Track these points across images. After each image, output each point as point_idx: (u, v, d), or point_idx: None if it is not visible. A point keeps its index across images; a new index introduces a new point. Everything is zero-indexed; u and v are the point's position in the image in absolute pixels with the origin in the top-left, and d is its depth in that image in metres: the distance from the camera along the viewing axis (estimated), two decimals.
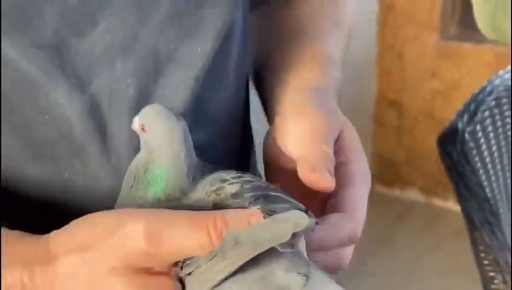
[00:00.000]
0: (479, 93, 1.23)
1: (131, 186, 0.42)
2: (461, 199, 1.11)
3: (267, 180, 0.47)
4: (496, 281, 1.09)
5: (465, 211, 1.12)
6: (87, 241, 0.37)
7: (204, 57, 0.46)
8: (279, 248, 0.38)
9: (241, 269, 0.37)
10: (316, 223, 0.40)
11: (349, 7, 0.63)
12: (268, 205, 0.39)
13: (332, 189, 0.43)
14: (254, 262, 0.37)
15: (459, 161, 1.11)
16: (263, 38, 0.58)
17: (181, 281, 0.39)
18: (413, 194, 2.45)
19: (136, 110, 0.44)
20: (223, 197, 0.40)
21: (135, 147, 0.44)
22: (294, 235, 0.38)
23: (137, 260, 0.37)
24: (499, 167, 1.21)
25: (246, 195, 0.40)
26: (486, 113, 1.20)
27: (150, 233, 0.36)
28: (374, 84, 2.41)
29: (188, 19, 0.45)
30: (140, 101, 0.44)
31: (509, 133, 1.26)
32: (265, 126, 0.52)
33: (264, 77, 0.56)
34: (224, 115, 0.53)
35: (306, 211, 0.40)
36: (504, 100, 1.24)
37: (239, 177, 0.42)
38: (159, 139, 0.41)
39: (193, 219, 0.37)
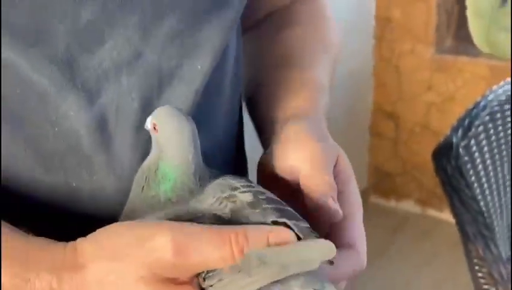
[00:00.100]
0: (473, 108, 1.25)
1: (143, 187, 0.44)
2: (455, 213, 1.12)
3: None
4: None
5: (460, 224, 1.13)
6: (115, 251, 0.39)
7: (203, 74, 0.49)
8: None
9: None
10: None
11: (336, 33, 0.66)
12: (291, 222, 0.41)
13: (341, 218, 0.45)
14: None
15: (453, 175, 1.12)
16: (253, 63, 0.61)
17: None
18: (409, 205, 2.46)
19: (140, 122, 0.46)
20: (239, 205, 0.42)
21: (138, 157, 0.47)
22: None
23: (164, 270, 0.39)
24: (493, 180, 1.22)
25: (263, 206, 0.42)
26: (481, 128, 1.22)
27: (177, 245, 0.38)
28: (370, 96, 2.43)
29: (188, 38, 0.48)
30: (144, 114, 0.46)
31: (503, 147, 1.27)
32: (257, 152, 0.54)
33: (256, 103, 0.58)
34: (221, 130, 0.55)
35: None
36: (498, 115, 1.26)
37: (249, 186, 0.44)
38: (169, 138, 0.43)
39: (217, 233, 0.39)
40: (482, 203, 1.15)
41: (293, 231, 0.41)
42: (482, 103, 1.26)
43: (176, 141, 0.43)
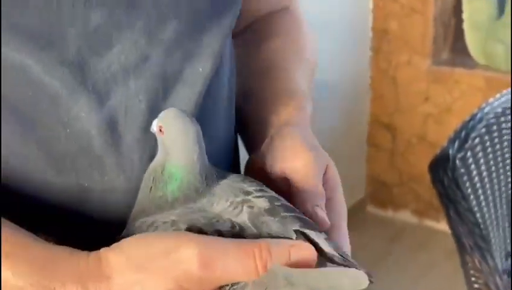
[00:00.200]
0: (469, 121, 1.26)
1: (151, 188, 0.45)
2: (452, 224, 1.13)
3: None
4: None
5: (456, 235, 1.14)
6: (142, 262, 0.40)
7: (205, 76, 0.51)
8: None
9: None
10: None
11: (313, 45, 0.68)
12: (312, 233, 0.42)
13: (328, 227, 0.46)
14: None
15: (450, 187, 1.13)
16: (239, 71, 0.62)
17: None
18: (406, 216, 2.47)
19: (147, 123, 0.47)
20: (256, 211, 0.43)
21: (146, 158, 0.48)
22: None
23: (189, 283, 0.39)
24: (489, 192, 1.23)
25: (282, 214, 0.43)
26: (477, 140, 1.23)
27: (203, 258, 0.39)
28: (367, 107, 2.45)
29: (190, 42, 0.50)
30: (151, 116, 0.48)
31: (500, 159, 1.28)
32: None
33: (245, 107, 0.60)
34: (222, 131, 0.57)
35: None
36: (494, 127, 1.27)
37: (261, 190, 0.45)
38: (175, 139, 0.44)
39: (241, 247, 0.40)
40: (478, 215, 1.16)
41: (311, 242, 0.42)
42: (478, 115, 1.27)
43: (181, 142, 0.44)
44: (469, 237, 1.12)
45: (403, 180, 2.44)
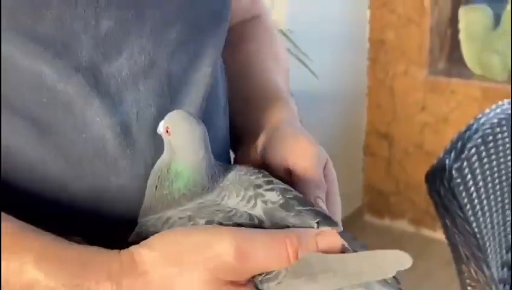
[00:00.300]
0: (465, 131, 1.27)
1: (156, 186, 0.46)
2: (448, 234, 1.14)
3: None
4: None
5: (453, 245, 1.15)
6: (178, 257, 0.41)
7: (207, 78, 0.53)
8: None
9: None
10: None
11: (284, 50, 0.71)
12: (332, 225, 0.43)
13: None
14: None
15: (446, 197, 1.14)
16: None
17: None
18: (403, 225, 2.47)
19: (157, 125, 0.49)
20: (270, 206, 0.44)
21: (159, 157, 0.49)
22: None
23: (226, 274, 0.41)
24: (485, 202, 1.24)
25: (297, 208, 0.44)
26: (473, 150, 1.24)
27: (238, 249, 0.40)
28: (365, 117, 2.46)
29: (193, 46, 0.52)
30: (161, 118, 0.49)
31: (495, 169, 1.30)
32: None
33: (233, 104, 0.62)
34: (221, 130, 0.59)
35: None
36: (490, 138, 1.28)
37: (269, 182, 0.46)
38: (181, 139, 0.46)
39: (273, 237, 0.41)
40: (474, 225, 1.17)
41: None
42: (475, 126, 1.28)
43: (187, 142, 0.46)
44: (465, 247, 1.13)
45: (399, 189, 2.45)
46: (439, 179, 1.16)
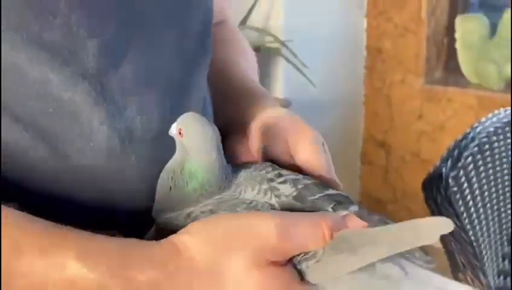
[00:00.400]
0: (462, 140, 1.28)
1: (170, 188, 0.47)
2: (445, 242, 1.14)
3: None
4: None
5: (449, 253, 1.15)
6: (221, 241, 0.42)
7: (204, 84, 0.55)
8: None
9: None
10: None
11: (251, 50, 0.74)
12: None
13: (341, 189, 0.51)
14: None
15: (443, 205, 1.15)
16: None
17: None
18: None
19: (160, 131, 0.50)
20: (285, 200, 0.45)
21: (161, 162, 0.50)
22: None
23: (269, 255, 0.42)
24: (481, 211, 1.25)
25: (310, 199, 0.45)
26: (469, 159, 1.25)
27: (280, 230, 0.42)
28: (362, 125, 2.47)
29: (191, 54, 0.53)
30: (163, 124, 0.50)
31: (492, 178, 1.30)
32: None
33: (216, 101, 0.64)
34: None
35: None
36: (486, 146, 1.29)
37: (280, 175, 0.47)
38: (195, 140, 0.46)
39: (309, 218, 0.43)
40: (471, 233, 1.17)
41: None
42: (471, 135, 1.29)
43: (200, 142, 0.46)
44: (462, 255, 1.13)
45: (396, 197, 2.45)
46: (435, 187, 1.17)
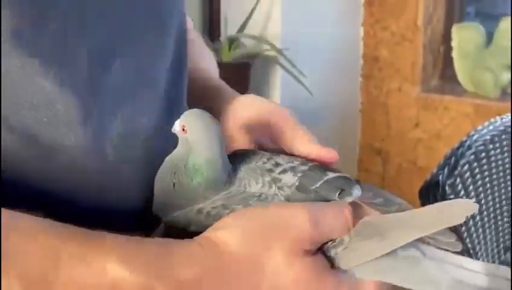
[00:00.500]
0: (458, 148, 1.28)
1: (174, 184, 0.47)
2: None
3: None
4: None
5: None
6: (258, 233, 0.42)
7: (185, 88, 0.56)
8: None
9: None
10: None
11: (207, 48, 0.76)
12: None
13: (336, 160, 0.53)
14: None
15: None
16: None
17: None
18: None
19: (150, 134, 0.50)
20: (288, 192, 0.46)
21: (151, 166, 0.50)
22: None
23: (305, 244, 0.43)
24: (478, 218, 1.25)
25: (312, 188, 0.46)
26: (466, 167, 1.25)
27: (312, 220, 0.43)
28: (359, 133, 2.47)
29: (174, 57, 0.54)
30: (153, 128, 0.50)
31: (488, 185, 1.31)
32: None
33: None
34: None
35: None
36: (482, 154, 1.29)
37: (278, 164, 0.48)
38: (198, 135, 0.47)
39: (334, 207, 0.45)
40: (467, 241, 1.18)
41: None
42: (467, 143, 1.30)
43: (204, 138, 0.47)
44: None
45: None
46: (432, 195, 1.17)
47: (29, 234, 0.39)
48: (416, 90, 2.31)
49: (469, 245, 1.18)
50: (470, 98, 2.24)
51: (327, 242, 0.44)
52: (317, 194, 0.46)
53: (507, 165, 1.32)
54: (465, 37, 2.25)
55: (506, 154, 1.33)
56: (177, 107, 0.56)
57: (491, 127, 1.35)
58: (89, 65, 0.47)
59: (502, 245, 1.30)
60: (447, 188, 1.19)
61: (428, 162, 2.26)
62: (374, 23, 2.35)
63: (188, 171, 0.47)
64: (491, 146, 1.32)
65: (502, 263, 1.29)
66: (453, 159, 1.26)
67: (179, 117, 0.50)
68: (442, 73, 2.39)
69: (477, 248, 1.22)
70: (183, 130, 0.47)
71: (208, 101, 0.61)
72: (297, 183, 0.46)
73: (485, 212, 1.27)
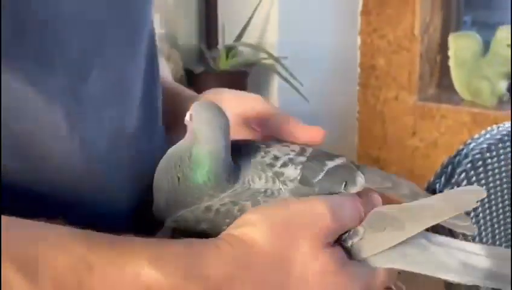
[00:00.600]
0: (455, 156, 1.28)
1: (178, 178, 0.46)
2: None
3: None
4: None
5: None
6: (284, 228, 0.43)
7: (160, 90, 0.57)
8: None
9: None
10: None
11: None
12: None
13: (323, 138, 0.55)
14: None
15: None
16: None
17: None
18: None
19: (132, 144, 0.50)
20: (292, 186, 0.46)
21: (134, 173, 0.51)
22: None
23: (326, 236, 0.44)
24: (475, 227, 1.25)
25: (314, 181, 0.46)
26: (463, 175, 1.25)
27: (332, 212, 0.44)
28: (356, 141, 2.48)
29: (148, 64, 0.55)
30: (137, 129, 0.51)
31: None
32: None
33: None
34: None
35: None
36: (479, 163, 1.29)
37: (276, 157, 0.48)
38: (203, 126, 0.46)
39: (348, 198, 0.46)
40: None
41: None
42: (464, 151, 1.30)
43: (209, 129, 0.46)
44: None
45: None
46: None
47: (58, 245, 0.39)
48: (413, 98, 2.31)
49: None
50: (466, 107, 2.24)
51: (344, 233, 0.45)
52: (321, 187, 0.46)
53: (504, 174, 1.33)
54: (461, 46, 2.26)
55: (503, 163, 1.33)
56: (154, 109, 0.56)
57: (488, 136, 1.35)
58: (68, 76, 0.46)
59: None
60: None
61: (425, 171, 2.26)
62: (371, 32, 2.36)
63: (191, 163, 0.46)
64: (488, 154, 1.32)
65: None
66: (450, 167, 1.26)
67: (156, 119, 0.51)
68: (439, 82, 2.40)
69: None
70: (191, 119, 0.47)
71: (171, 104, 0.61)
72: (299, 177, 0.46)
73: (481, 221, 1.27)
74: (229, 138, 0.47)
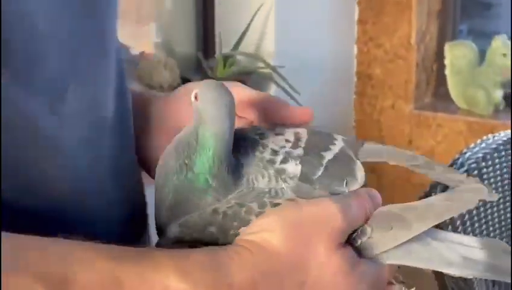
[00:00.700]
0: (451, 165, 1.29)
1: (185, 174, 0.45)
2: None
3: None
4: None
5: (438, 277, 1.16)
6: (303, 232, 0.44)
7: (130, 104, 0.57)
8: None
9: None
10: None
11: None
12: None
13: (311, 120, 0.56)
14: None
15: None
16: None
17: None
18: None
19: (112, 164, 0.51)
20: (293, 184, 0.46)
21: (120, 184, 0.51)
22: None
23: (339, 236, 0.45)
24: (471, 236, 1.25)
25: (314, 178, 0.47)
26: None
27: (342, 212, 0.45)
28: None
29: (118, 77, 0.55)
30: (117, 155, 0.52)
31: (481, 203, 1.31)
32: None
33: None
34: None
35: None
36: (475, 172, 1.30)
37: (275, 152, 0.48)
38: (208, 105, 0.45)
39: (355, 197, 0.47)
40: None
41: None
42: (460, 160, 1.30)
43: (214, 108, 0.45)
44: (451, 279, 1.14)
45: None
46: None
47: (85, 261, 0.39)
48: (410, 107, 2.32)
49: None
50: (463, 116, 2.25)
51: (353, 233, 0.46)
52: (321, 184, 0.47)
53: (499, 183, 1.33)
54: (457, 55, 2.27)
55: (498, 173, 1.33)
56: (125, 125, 0.56)
57: (483, 145, 1.36)
58: (48, 94, 0.46)
59: None
60: None
61: (422, 179, 2.25)
62: (368, 41, 2.37)
63: (197, 146, 0.45)
64: (483, 164, 1.33)
65: (494, 281, 1.29)
66: None
67: (128, 135, 0.52)
68: (435, 90, 2.41)
69: None
70: (196, 98, 0.46)
71: (147, 112, 0.61)
72: (299, 174, 0.47)
73: (477, 230, 1.28)
74: (234, 117, 0.46)
